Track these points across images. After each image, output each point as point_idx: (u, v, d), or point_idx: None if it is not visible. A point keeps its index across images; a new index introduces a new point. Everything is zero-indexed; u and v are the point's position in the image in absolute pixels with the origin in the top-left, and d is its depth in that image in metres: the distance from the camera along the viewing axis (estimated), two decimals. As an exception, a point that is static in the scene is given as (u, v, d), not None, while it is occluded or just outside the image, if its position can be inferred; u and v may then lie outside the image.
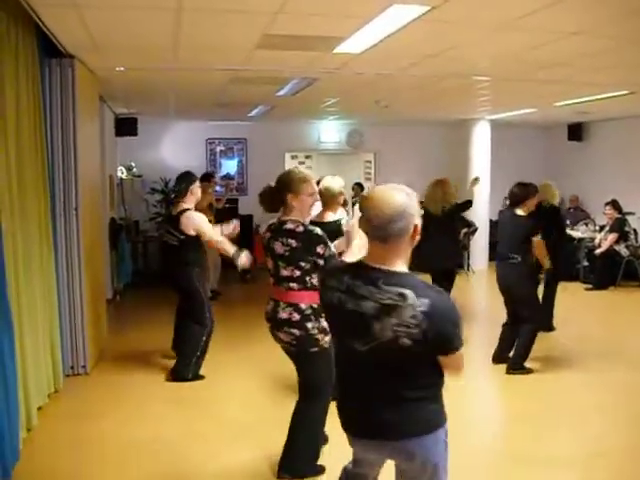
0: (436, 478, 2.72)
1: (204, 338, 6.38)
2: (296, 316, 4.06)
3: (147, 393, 6.10)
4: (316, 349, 4.09)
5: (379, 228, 2.52)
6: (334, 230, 4.88)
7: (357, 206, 3.80)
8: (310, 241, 3.99)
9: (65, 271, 6.29)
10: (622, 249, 11.17)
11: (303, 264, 4.02)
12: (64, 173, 6.20)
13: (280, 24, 4.94)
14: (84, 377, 6.43)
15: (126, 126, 11.93)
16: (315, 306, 4.02)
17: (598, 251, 11.28)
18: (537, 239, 6.51)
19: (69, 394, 5.99)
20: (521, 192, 6.63)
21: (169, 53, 6.15)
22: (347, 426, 2.80)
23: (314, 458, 4.35)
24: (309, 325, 4.05)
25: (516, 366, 6.61)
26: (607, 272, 11.18)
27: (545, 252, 6.67)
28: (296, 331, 4.05)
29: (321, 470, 4.35)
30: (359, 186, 13.80)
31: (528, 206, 6.61)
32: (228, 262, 7.02)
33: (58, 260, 6.20)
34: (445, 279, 7.74)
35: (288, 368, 4.46)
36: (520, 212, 6.59)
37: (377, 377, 2.62)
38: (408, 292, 2.44)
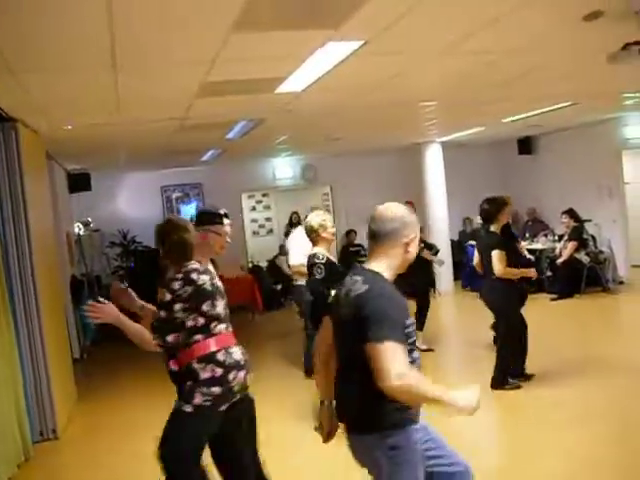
0: None
1: None
2: None
3: (119, 455, 5.90)
4: None
5: (371, 227, 2.84)
6: (309, 264, 5.42)
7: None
8: None
9: (26, 337, 6.14)
10: (583, 257, 11.31)
11: None
12: (16, 239, 6.06)
13: (217, 71, 4.96)
14: (54, 442, 6.25)
15: (79, 182, 11.85)
16: None
17: (559, 260, 11.41)
18: (495, 253, 6.35)
19: (39, 462, 5.84)
20: (490, 207, 6.60)
21: (112, 109, 6.13)
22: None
23: None
24: None
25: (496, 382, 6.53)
26: (570, 281, 11.29)
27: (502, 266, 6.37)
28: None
29: None
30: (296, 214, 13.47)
31: (500, 220, 6.56)
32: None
33: (18, 327, 6.06)
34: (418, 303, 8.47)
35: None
36: (492, 228, 6.56)
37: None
38: (360, 278, 2.75)
